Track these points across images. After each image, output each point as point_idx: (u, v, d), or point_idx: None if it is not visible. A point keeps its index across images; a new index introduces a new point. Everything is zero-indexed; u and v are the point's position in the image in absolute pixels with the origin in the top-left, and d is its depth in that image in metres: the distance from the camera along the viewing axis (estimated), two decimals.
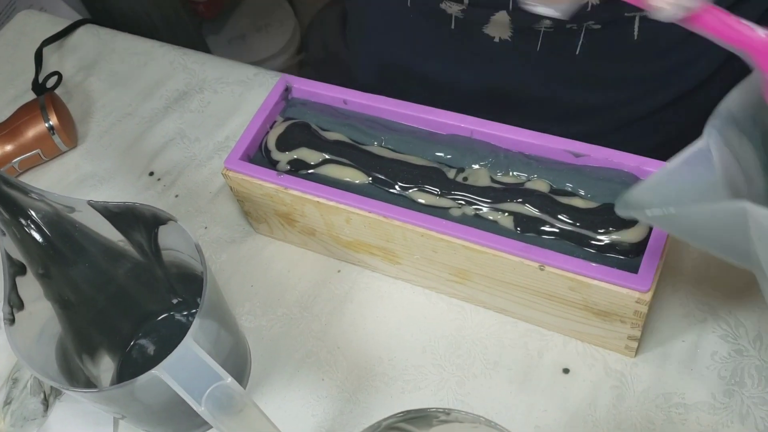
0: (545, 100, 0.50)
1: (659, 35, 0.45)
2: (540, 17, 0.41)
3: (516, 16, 0.45)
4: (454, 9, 0.46)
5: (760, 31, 0.25)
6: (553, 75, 0.49)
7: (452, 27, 0.48)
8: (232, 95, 0.58)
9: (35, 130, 0.55)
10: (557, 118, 0.51)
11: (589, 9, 0.42)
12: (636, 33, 0.45)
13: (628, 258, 0.37)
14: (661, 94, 0.50)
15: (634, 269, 0.36)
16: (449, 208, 0.41)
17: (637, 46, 0.45)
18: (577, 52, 0.46)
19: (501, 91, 0.51)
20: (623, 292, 0.36)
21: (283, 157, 0.44)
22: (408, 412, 0.30)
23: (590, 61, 0.47)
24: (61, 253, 0.38)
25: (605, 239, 0.38)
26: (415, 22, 0.51)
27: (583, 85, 0.49)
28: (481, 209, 0.40)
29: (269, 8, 1.29)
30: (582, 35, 0.45)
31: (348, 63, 0.65)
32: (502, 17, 0.45)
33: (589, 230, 0.38)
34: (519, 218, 0.39)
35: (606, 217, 0.38)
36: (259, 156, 0.45)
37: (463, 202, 0.41)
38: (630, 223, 0.38)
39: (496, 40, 0.47)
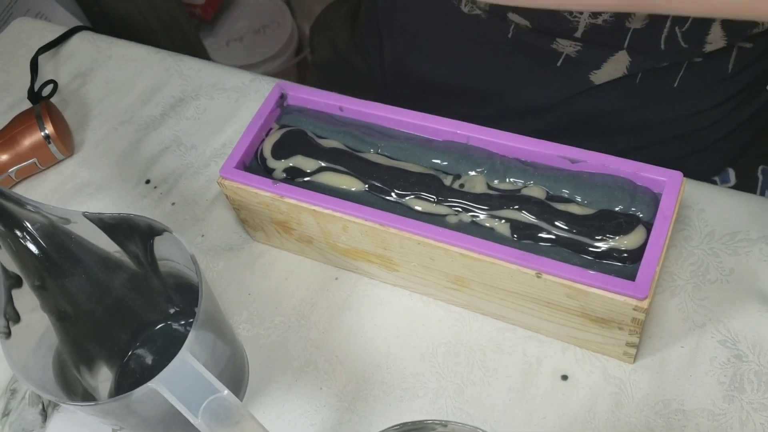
0: (640, 124, 0.53)
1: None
2: (658, 55, 0.45)
3: (636, 57, 0.46)
4: (568, 49, 0.47)
5: None
6: (649, 104, 0.51)
7: (558, 65, 0.49)
8: (228, 101, 0.58)
9: (31, 139, 0.55)
10: (648, 144, 0.52)
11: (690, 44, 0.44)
12: (731, 65, 0.46)
13: (626, 264, 0.37)
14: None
15: (632, 276, 0.36)
16: (446, 215, 0.41)
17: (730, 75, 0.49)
18: (675, 85, 0.49)
19: (592, 119, 0.53)
20: (621, 300, 0.36)
21: (279, 165, 0.44)
22: (404, 424, 0.30)
23: (688, 92, 0.49)
24: (57, 264, 0.38)
25: (602, 246, 0.37)
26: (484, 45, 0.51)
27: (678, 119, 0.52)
28: (477, 216, 0.40)
29: (267, 10, 1.28)
30: (683, 69, 0.48)
31: (357, 66, 0.65)
32: (622, 57, 0.46)
33: (586, 237, 0.38)
34: (515, 225, 0.39)
35: (603, 223, 0.38)
36: (254, 164, 0.45)
37: (459, 209, 0.40)
38: (627, 230, 0.37)
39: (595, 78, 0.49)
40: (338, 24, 0.68)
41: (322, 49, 0.71)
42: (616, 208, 0.38)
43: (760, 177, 0.54)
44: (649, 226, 0.37)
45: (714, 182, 0.55)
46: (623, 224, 0.37)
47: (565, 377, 0.41)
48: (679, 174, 0.38)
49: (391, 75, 0.60)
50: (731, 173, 0.55)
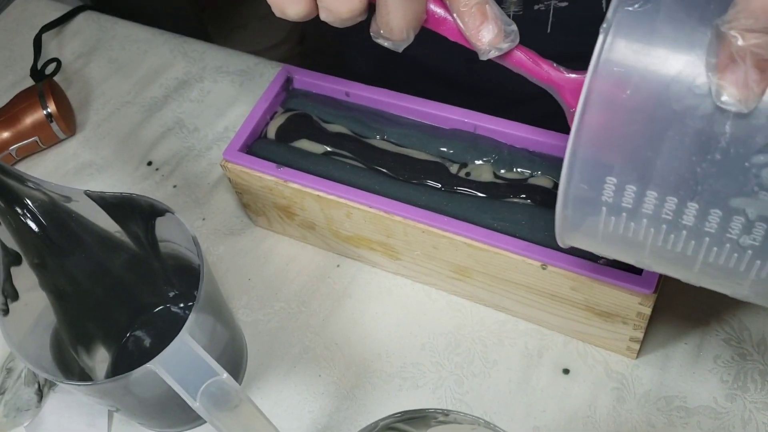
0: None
1: None
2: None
3: None
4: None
5: (562, 70, 0.29)
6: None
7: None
8: (232, 85, 0.57)
9: (33, 117, 0.54)
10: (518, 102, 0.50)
11: None
12: (604, 5, 0.44)
13: None
14: None
15: (638, 270, 0.36)
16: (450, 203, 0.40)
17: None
18: (549, 31, 0.46)
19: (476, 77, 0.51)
20: (626, 294, 0.35)
21: None
22: (406, 412, 0.30)
23: (562, 38, 0.46)
24: (57, 243, 0.37)
25: None
26: None
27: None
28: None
29: None
30: (551, 14, 0.45)
31: (345, 54, 0.64)
32: None
33: None
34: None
35: None
36: (258, 147, 0.44)
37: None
38: None
39: None
40: None
41: (310, 38, 0.70)
42: None
43: None
44: None
45: None
46: None
47: (566, 371, 0.40)
48: None
49: (388, 63, 0.59)
50: None
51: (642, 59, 0.24)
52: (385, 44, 0.31)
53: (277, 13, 0.32)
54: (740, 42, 0.21)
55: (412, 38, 0.30)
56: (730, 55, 0.22)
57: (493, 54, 0.29)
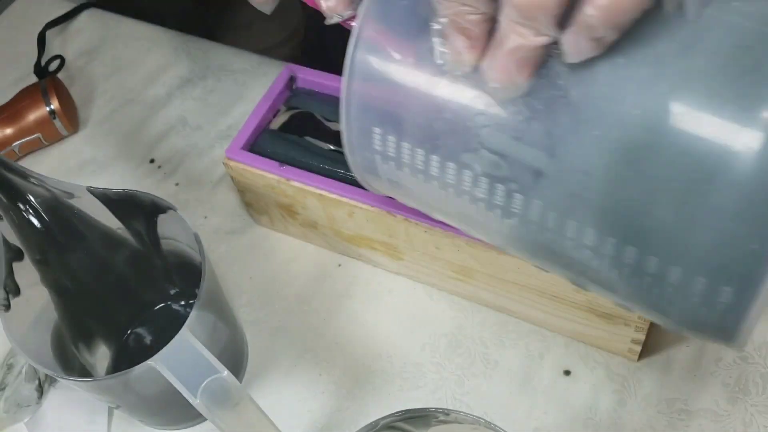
0: None
1: None
2: None
3: None
4: None
5: None
6: None
7: None
8: (235, 83, 0.57)
9: (36, 113, 0.54)
10: None
11: None
12: None
13: None
14: None
15: None
16: None
17: None
18: None
19: None
20: None
21: None
22: (407, 411, 0.30)
23: None
24: (59, 239, 0.37)
25: None
26: None
27: None
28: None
29: None
30: None
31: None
32: None
33: None
34: None
35: None
36: (261, 145, 0.44)
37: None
38: None
39: None
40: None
41: (311, 36, 0.70)
42: None
43: None
44: None
45: None
46: None
47: (567, 372, 0.40)
48: None
49: None
50: None
51: (391, 29, 0.27)
52: (258, 8, 0.34)
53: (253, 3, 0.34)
54: (441, 10, 0.24)
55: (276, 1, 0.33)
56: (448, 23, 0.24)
57: (335, 19, 0.30)
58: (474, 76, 0.25)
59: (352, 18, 0.30)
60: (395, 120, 0.28)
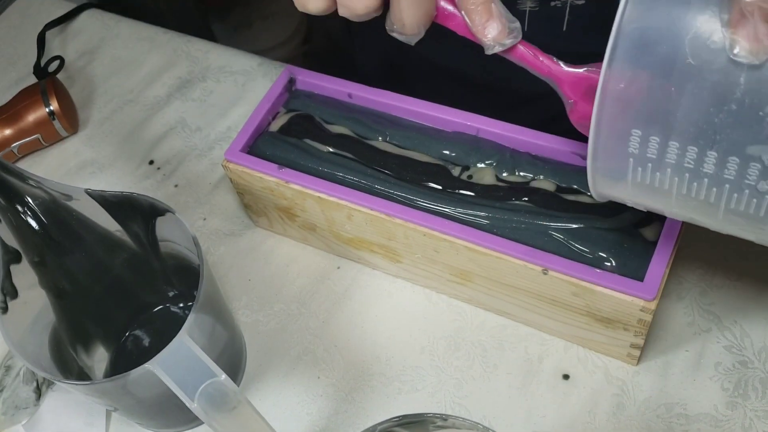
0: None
1: None
2: None
3: None
4: None
5: (562, 65, 0.31)
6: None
7: None
8: (235, 85, 0.57)
9: (35, 114, 0.54)
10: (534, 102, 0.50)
11: None
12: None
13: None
14: None
15: (640, 276, 0.35)
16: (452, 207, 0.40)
17: None
18: (564, 29, 0.47)
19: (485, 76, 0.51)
20: (628, 300, 0.35)
21: None
22: (404, 416, 0.30)
23: (578, 36, 0.46)
24: (57, 241, 0.37)
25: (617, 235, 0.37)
26: None
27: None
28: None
29: None
30: (567, 11, 0.46)
31: (351, 54, 0.64)
32: None
33: (600, 223, 0.37)
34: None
35: (614, 215, 0.37)
36: (260, 147, 0.44)
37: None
38: (643, 223, 0.37)
39: None
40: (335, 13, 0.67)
41: (317, 38, 0.70)
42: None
43: None
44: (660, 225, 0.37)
45: None
46: (642, 214, 0.37)
47: (566, 376, 0.40)
48: None
49: (396, 61, 0.59)
50: None
51: (660, 18, 0.26)
52: (400, 38, 0.33)
53: (299, 8, 0.34)
54: None
55: (423, 33, 0.33)
56: (740, 10, 0.23)
57: (497, 49, 0.31)
58: (767, 63, 0.24)
59: (514, 48, 0.31)
60: (663, 117, 0.26)
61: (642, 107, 0.27)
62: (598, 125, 0.28)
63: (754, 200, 0.26)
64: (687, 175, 0.27)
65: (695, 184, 0.27)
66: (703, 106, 0.25)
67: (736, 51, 0.24)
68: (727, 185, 0.27)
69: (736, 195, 0.27)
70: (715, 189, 0.27)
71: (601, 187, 0.31)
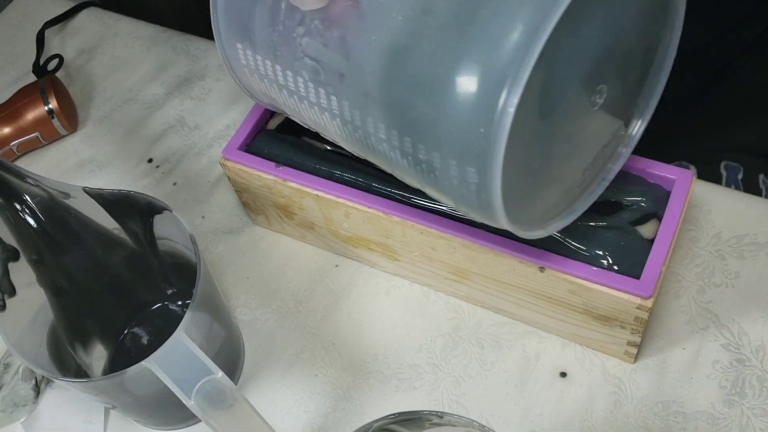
0: None
1: None
2: None
3: None
4: None
5: None
6: None
7: None
8: (234, 83, 0.57)
9: (34, 113, 0.54)
10: None
11: None
12: None
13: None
14: None
15: (637, 274, 0.35)
16: None
17: None
18: None
19: None
20: (624, 298, 0.35)
21: None
22: (400, 413, 0.30)
23: None
24: (56, 239, 0.37)
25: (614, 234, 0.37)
26: None
27: None
28: None
29: None
30: None
31: None
32: None
33: (599, 221, 0.37)
34: None
35: (618, 212, 0.37)
36: (258, 145, 0.44)
37: None
38: (640, 220, 0.37)
39: None
40: None
41: None
42: (626, 203, 0.38)
43: (724, 173, 0.53)
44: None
45: None
46: (639, 214, 0.37)
47: (563, 374, 0.40)
48: (689, 173, 0.38)
49: None
50: (692, 169, 0.54)
51: None
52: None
53: (302, 7, 0.36)
54: None
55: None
56: None
57: (311, 6, 0.33)
58: None
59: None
60: (248, 34, 0.32)
61: (236, 23, 0.33)
62: (218, 41, 0.35)
63: (313, 110, 0.33)
64: (274, 85, 0.34)
65: (282, 92, 0.34)
66: (264, 26, 0.31)
67: None
68: (295, 96, 0.33)
69: (305, 105, 0.33)
70: (294, 98, 0.33)
71: (256, 99, 0.38)
